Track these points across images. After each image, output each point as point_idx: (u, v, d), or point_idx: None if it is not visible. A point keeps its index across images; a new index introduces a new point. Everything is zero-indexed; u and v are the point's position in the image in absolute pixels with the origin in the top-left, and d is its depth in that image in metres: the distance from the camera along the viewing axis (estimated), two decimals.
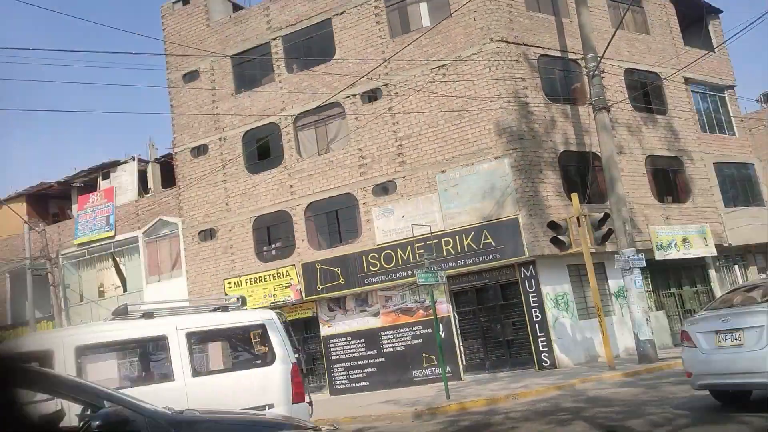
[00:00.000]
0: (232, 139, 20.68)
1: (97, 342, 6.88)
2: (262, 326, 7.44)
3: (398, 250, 17.43)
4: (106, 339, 6.90)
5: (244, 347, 8.56)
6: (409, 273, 16.75)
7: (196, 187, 20.96)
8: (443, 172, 17.42)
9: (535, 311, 16.23)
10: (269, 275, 19.18)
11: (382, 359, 17.81)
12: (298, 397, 7.18)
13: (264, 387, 7.03)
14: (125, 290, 22.96)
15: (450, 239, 16.90)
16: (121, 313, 7.27)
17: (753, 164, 23.34)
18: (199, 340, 7.45)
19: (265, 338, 7.44)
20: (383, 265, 17.59)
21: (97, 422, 3.20)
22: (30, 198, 25.70)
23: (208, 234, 20.63)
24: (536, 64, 17.93)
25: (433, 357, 16.67)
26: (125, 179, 23.70)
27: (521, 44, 17.76)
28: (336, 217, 19.03)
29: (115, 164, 24.07)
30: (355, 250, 18.07)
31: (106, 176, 24.16)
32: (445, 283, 14.53)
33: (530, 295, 16.35)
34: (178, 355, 6.78)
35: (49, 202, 26.87)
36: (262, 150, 20.39)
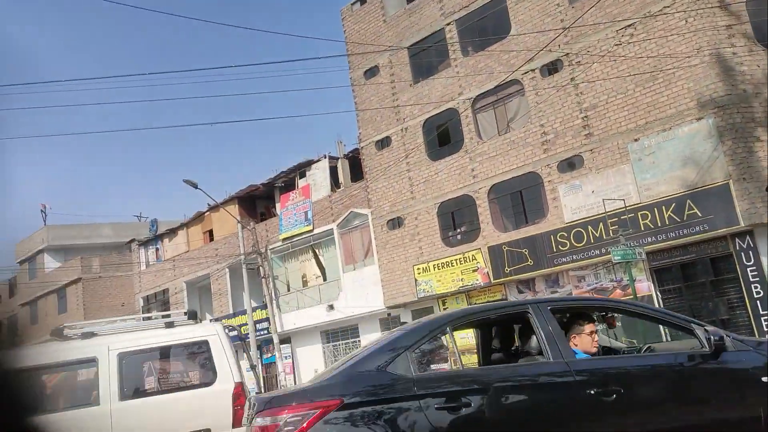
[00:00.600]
0: (412, 128, 21.12)
1: (25, 366, 6.25)
2: (205, 342, 6.78)
3: (589, 227, 16.47)
4: (33, 363, 6.11)
5: (184, 366, 8.00)
6: (603, 251, 15.75)
7: (382, 178, 21.78)
8: (636, 140, 16.07)
9: (756, 287, 14.29)
10: (456, 260, 19.29)
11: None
12: (240, 421, 5.94)
13: (201, 409, 6.39)
14: (325, 279, 24.70)
15: (647, 212, 15.55)
16: (56, 334, 6.83)
17: None
18: (134, 360, 6.79)
19: (207, 355, 6.76)
20: (573, 244, 16.75)
21: None
22: (240, 200, 28.71)
23: (395, 222, 21.34)
24: (744, 5, 15.73)
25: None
26: (319, 176, 25.43)
27: None
28: (520, 198, 18.54)
29: (309, 163, 25.93)
30: (542, 230, 17.45)
31: (303, 175, 26.14)
32: (644, 259, 13.41)
33: (748, 269, 14.44)
34: (107, 377, 6.26)
35: (257, 203, 29.81)
36: (442, 136, 20.55)
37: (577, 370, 3.88)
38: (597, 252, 16.22)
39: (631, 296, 14.01)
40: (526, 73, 18.15)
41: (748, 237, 14.56)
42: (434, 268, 19.83)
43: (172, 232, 32.81)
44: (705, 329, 4.05)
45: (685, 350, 4.23)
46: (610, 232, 15.62)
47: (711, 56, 15.23)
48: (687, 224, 14.96)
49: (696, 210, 14.84)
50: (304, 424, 3.46)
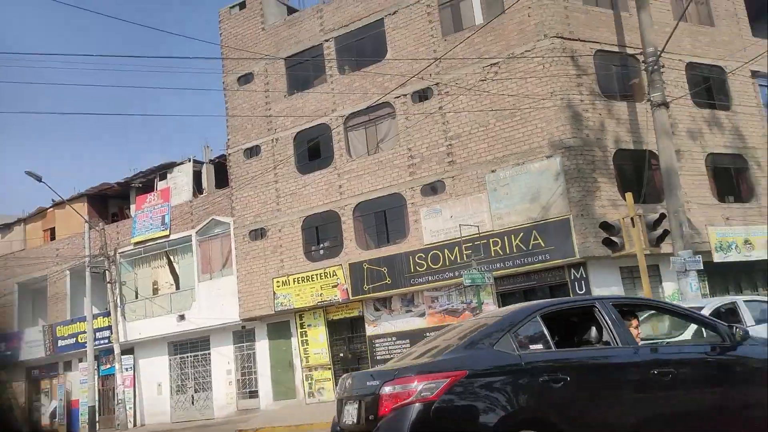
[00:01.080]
0: (283, 140, 20.95)
1: None
2: None
3: (446, 250, 17.25)
4: None
5: None
6: (456, 274, 16.55)
7: (248, 188, 21.34)
8: (493, 171, 17.14)
9: None
10: (317, 275, 19.31)
11: None
12: None
13: None
14: (178, 287, 23.59)
15: (498, 240, 16.60)
16: None
17: None
18: None
19: None
20: (430, 265, 17.44)
21: None
22: (91, 198, 26.75)
23: (258, 233, 20.95)
24: (592, 60, 17.43)
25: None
26: (181, 180, 24.37)
27: (577, 40, 17.31)
28: (384, 217, 19.01)
29: (171, 165, 24.78)
30: (402, 250, 17.99)
31: (163, 177, 24.90)
32: (492, 284, 14.26)
33: None
34: None
35: (109, 202, 27.93)
36: (313, 150, 20.59)
37: (642, 354, 4.97)
38: (451, 274, 16.99)
39: None
40: (398, 97, 18.74)
41: (581, 268, 16.02)
42: (294, 281, 19.68)
43: (6, 228, 29.72)
44: (726, 325, 5.35)
45: (711, 342, 5.34)
46: (464, 256, 16.45)
47: (562, 101, 16.67)
48: (531, 253, 16.14)
49: (540, 240, 16.07)
50: (439, 389, 4.22)
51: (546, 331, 4.85)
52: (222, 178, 23.67)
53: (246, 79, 22.17)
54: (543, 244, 16.01)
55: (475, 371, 4.40)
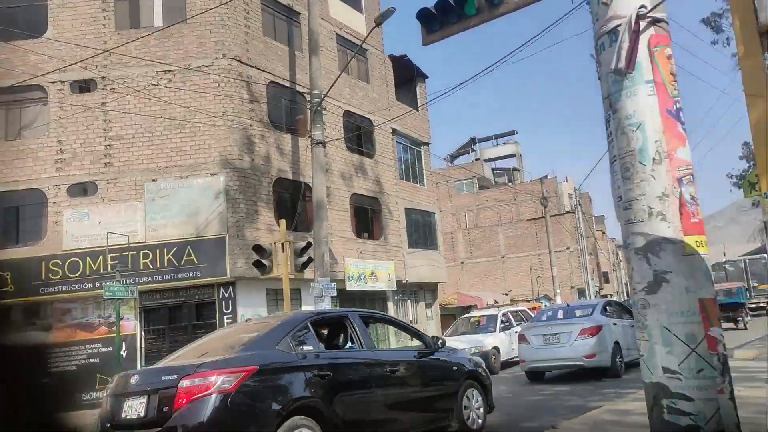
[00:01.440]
0: None
1: None
2: None
3: (88, 258, 15.88)
4: None
5: None
6: (97, 285, 15.34)
7: None
8: (153, 180, 16.53)
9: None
10: None
11: (47, 380, 15.78)
12: None
13: None
14: None
15: (150, 252, 16.02)
16: None
17: (435, 213, 27.11)
18: None
19: None
20: (66, 273, 15.81)
21: None
22: None
23: None
24: (265, 89, 18.32)
25: (109, 378, 15.41)
26: None
27: (253, 67, 18.00)
28: (16, 214, 16.57)
29: None
30: (34, 253, 15.92)
31: None
32: (136, 298, 13.66)
33: (225, 316, 16.32)
34: None
35: None
36: None
37: (379, 355, 6.76)
38: (90, 285, 15.68)
39: (115, 335, 13.99)
40: (54, 82, 16.72)
41: (231, 288, 16.51)
42: None
43: None
44: (431, 336, 7.67)
45: (417, 348, 7.29)
46: (109, 266, 15.40)
47: (233, 122, 17.11)
48: (183, 269, 16.00)
49: (194, 257, 16.06)
50: (236, 382, 4.90)
51: (314, 335, 6.13)
52: None
53: None
54: (196, 261, 16.03)
55: (264, 366, 5.23)
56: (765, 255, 34.69)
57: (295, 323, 6.00)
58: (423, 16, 7.72)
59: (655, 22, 4.08)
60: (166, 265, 15.97)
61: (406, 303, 24.57)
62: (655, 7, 4.07)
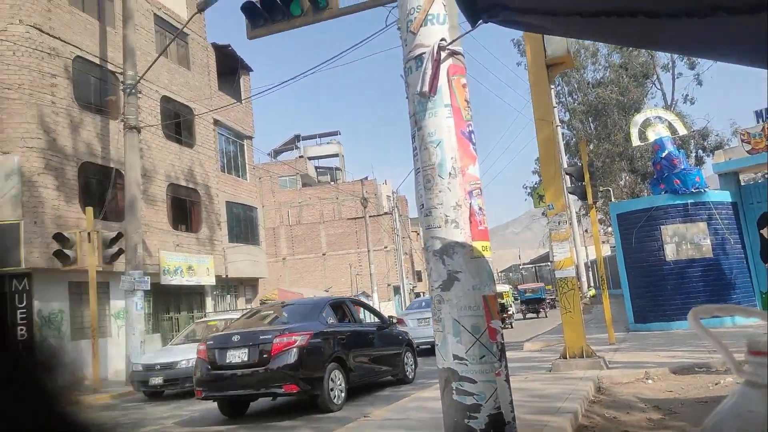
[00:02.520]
0: None
1: None
2: None
3: None
4: None
5: None
6: None
7: None
8: None
9: (21, 329, 14.50)
10: None
11: None
12: None
13: None
14: None
15: None
16: None
17: (257, 208, 26.73)
18: None
19: None
20: None
21: None
22: None
23: None
24: (71, 65, 16.71)
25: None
26: None
27: (57, 38, 16.33)
28: None
29: None
30: None
31: None
32: None
33: (18, 311, 14.58)
34: None
35: None
36: None
37: (364, 327, 10.04)
38: None
39: None
40: None
41: (25, 279, 14.79)
42: None
43: None
44: (388, 317, 11.26)
45: (378, 324, 10.52)
46: None
47: (31, 96, 15.36)
48: None
49: None
50: (305, 340, 8.00)
51: (333, 313, 9.31)
52: None
53: None
54: None
55: (316, 331, 8.31)
56: (550, 262, 41.40)
57: (323, 304, 9.39)
58: (247, 9, 7.65)
59: (453, 54, 4.58)
60: None
61: (225, 298, 23.91)
62: (452, 41, 4.58)
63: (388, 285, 45.71)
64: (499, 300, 26.86)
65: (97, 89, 17.97)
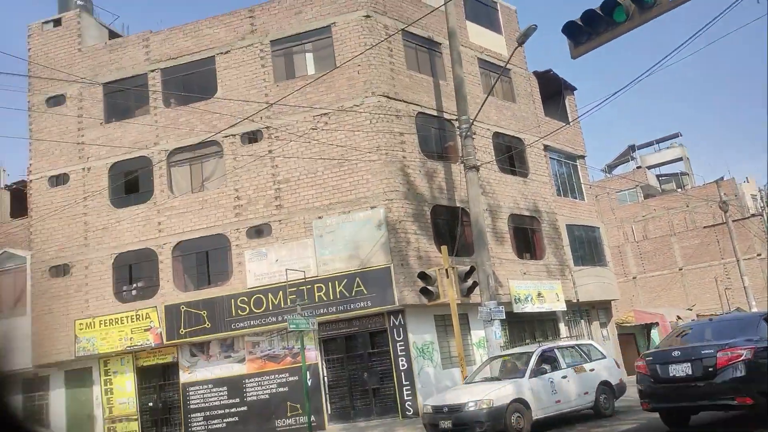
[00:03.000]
0: (97, 170, 19.49)
1: None
2: None
3: (269, 294, 17.12)
4: None
5: None
6: (279, 318, 16.47)
7: (52, 219, 19.39)
8: (320, 218, 17.53)
9: (402, 360, 16.52)
10: (127, 317, 17.97)
11: (245, 408, 17.15)
12: None
13: None
14: None
15: (323, 285, 16.90)
16: None
17: (598, 227, 25.76)
18: None
19: None
20: (253, 309, 17.16)
21: None
22: None
23: (61, 270, 19.04)
24: (414, 121, 18.80)
25: (298, 406, 16.34)
26: None
27: (401, 100, 18.59)
28: (206, 258, 18.40)
29: None
30: (224, 293, 17.51)
31: None
32: (315, 329, 14.40)
33: (398, 344, 16.64)
34: None
35: None
36: (130, 184, 19.42)
37: None
38: (273, 319, 16.87)
39: (300, 364, 14.84)
40: (227, 136, 18.50)
41: (400, 315, 16.87)
42: (101, 324, 18.11)
43: None
44: None
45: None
46: (288, 301, 16.46)
47: (386, 156, 17.71)
48: (354, 299, 16.66)
49: (363, 287, 16.67)
50: (750, 354, 7.98)
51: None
52: (19, 207, 21.23)
53: (57, 101, 20.40)
54: (365, 291, 16.62)
55: (759, 347, 8.25)
56: None
57: (760, 318, 9.19)
58: (569, 29, 7.49)
59: None
60: (338, 297, 16.73)
61: (578, 323, 23.44)
62: None
63: None
64: None
65: (437, 138, 19.80)
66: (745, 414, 8.61)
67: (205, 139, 18.38)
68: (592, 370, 12.97)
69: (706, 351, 8.37)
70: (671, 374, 8.58)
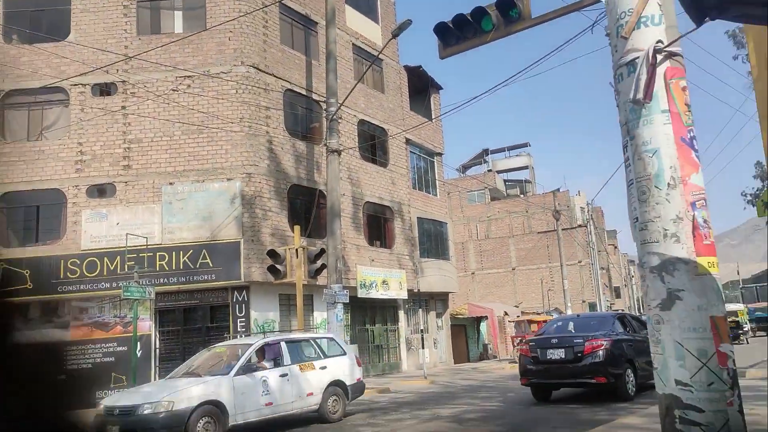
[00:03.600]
0: None
1: None
2: None
3: (105, 258, 16.11)
4: None
5: None
6: (114, 285, 15.58)
7: None
8: (171, 184, 16.77)
9: (240, 336, 16.36)
10: None
11: (63, 376, 15.97)
12: None
13: None
14: None
15: (166, 254, 16.23)
16: None
17: (446, 223, 27.19)
18: None
19: None
20: (85, 273, 16.06)
21: None
22: None
23: None
24: (282, 97, 18.56)
25: (124, 378, 15.60)
26: None
27: (271, 74, 18.25)
28: (36, 213, 16.85)
29: None
30: (53, 252, 16.18)
31: None
32: (152, 299, 13.83)
33: (239, 319, 16.47)
34: None
35: None
36: None
37: (643, 335, 11.19)
38: (107, 285, 15.92)
39: (132, 335, 14.19)
40: (75, 85, 17.05)
41: (244, 291, 16.67)
42: None
43: None
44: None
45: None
46: (126, 267, 15.61)
47: (250, 128, 17.33)
48: (198, 272, 16.19)
49: (209, 260, 16.25)
50: (608, 344, 10.50)
51: (621, 324, 11.67)
52: None
53: None
54: (211, 264, 16.22)
55: (614, 337, 10.77)
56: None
57: (613, 317, 12.03)
58: (440, 30, 7.85)
59: (671, 55, 4.29)
60: (181, 268, 16.17)
61: (416, 312, 24.61)
62: (671, 43, 4.28)
63: (583, 301, 43.51)
64: (734, 318, 25.95)
65: (302, 118, 19.71)
66: (594, 390, 11.03)
67: (50, 84, 16.76)
68: (323, 368, 10.98)
69: (577, 340, 10.71)
70: (548, 357, 10.82)
